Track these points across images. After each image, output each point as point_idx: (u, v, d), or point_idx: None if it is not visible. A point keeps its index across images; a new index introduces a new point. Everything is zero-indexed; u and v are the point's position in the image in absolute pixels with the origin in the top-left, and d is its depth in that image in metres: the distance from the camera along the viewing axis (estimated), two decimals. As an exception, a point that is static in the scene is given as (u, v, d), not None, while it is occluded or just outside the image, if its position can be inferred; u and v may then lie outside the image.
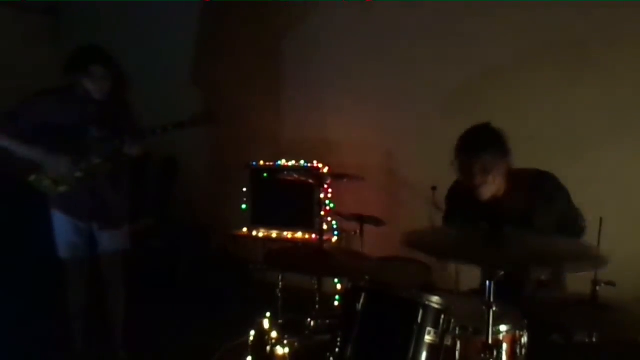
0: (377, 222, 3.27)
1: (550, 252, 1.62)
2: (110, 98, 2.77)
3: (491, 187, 2.17)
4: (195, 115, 2.84)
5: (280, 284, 2.69)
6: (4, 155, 2.68)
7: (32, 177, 2.72)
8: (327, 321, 2.17)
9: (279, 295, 2.67)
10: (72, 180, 2.72)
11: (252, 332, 2.10)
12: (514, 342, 1.73)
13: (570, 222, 2.21)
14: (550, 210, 2.15)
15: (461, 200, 2.34)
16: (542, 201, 2.16)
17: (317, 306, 2.56)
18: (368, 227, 3.32)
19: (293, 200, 3.93)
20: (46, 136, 2.66)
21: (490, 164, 2.12)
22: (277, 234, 4.09)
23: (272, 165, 4.10)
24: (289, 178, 3.32)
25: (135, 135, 2.73)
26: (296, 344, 2.00)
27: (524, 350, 1.75)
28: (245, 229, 4.17)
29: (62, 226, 2.81)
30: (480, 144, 2.14)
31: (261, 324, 2.08)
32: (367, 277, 1.69)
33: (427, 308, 1.57)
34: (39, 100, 2.73)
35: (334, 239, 3.90)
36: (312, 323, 2.15)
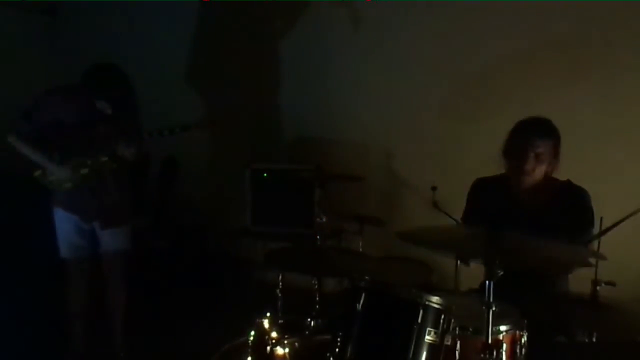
0: (377, 222, 3.27)
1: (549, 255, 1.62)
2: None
3: (534, 178, 2.22)
4: (201, 120, 2.90)
5: (280, 284, 2.69)
6: (9, 152, 2.71)
7: (38, 173, 2.74)
8: (327, 321, 2.17)
9: (279, 295, 2.67)
10: (78, 177, 2.73)
11: (252, 332, 2.10)
12: (513, 342, 1.73)
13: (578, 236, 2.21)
14: (570, 224, 2.16)
15: (487, 195, 2.39)
16: (567, 214, 2.19)
17: (317, 306, 2.56)
18: (368, 227, 3.31)
19: (293, 200, 3.93)
20: (56, 132, 2.70)
21: (545, 154, 2.19)
22: (277, 234, 4.08)
23: (272, 165, 4.10)
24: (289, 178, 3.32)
25: (131, 137, 2.76)
26: (296, 344, 2.00)
27: (524, 350, 1.75)
28: (245, 229, 4.17)
29: (64, 226, 2.81)
30: (544, 131, 2.22)
31: (261, 324, 2.08)
32: (367, 277, 1.69)
33: (427, 308, 1.57)
34: (50, 97, 2.76)
35: (334, 239, 3.90)
36: (312, 323, 2.16)
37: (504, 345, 1.69)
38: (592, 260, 1.65)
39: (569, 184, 2.30)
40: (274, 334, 2.03)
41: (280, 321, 2.18)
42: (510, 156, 2.27)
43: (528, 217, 2.18)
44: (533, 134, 2.21)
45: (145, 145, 2.89)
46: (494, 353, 1.61)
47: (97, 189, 2.80)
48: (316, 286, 2.56)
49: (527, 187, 2.29)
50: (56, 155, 2.71)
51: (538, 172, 2.22)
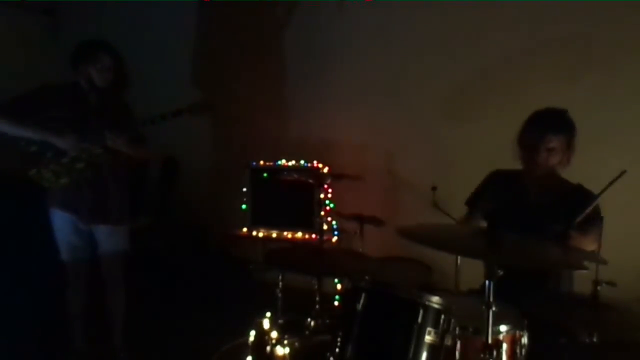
0: (377, 222, 3.27)
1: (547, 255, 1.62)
2: (110, 91, 2.80)
3: (546, 167, 2.23)
4: (193, 104, 2.88)
5: (280, 284, 2.69)
6: (3, 151, 2.70)
7: (33, 171, 2.71)
8: (327, 321, 2.17)
9: (279, 295, 2.67)
10: (74, 172, 2.72)
11: (252, 332, 2.10)
12: (513, 342, 1.73)
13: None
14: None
15: (498, 187, 2.41)
16: (575, 217, 2.16)
17: (317, 306, 2.56)
18: (368, 227, 3.31)
19: (293, 200, 3.93)
20: (47, 123, 2.67)
21: (557, 149, 2.20)
22: (277, 234, 4.08)
23: (272, 165, 4.10)
24: (289, 178, 3.32)
25: (121, 128, 2.74)
26: (296, 344, 2.00)
27: (524, 350, 1.75)
28: (245, 229, 4.17)
29: (62, 227, 2.80)
30: (558, 126, 2.22)
31: (261, 324, 2.08)
32: (367, 277, 1.69)
33: (427, 308, 1.57)
34: (40, 92, 2.74)
35: (334, 239, 3.90)
36: (312, 323, 2.15)
37: (504, 345, 1.70)
38: (588, 264, 1.65)
39: (579, 187, 2.29)
40: (274, 334, 2.03)
41: (280, 321, 2.18)
42: (524, 147, 2.29)
43: (533, 216, 2.18)
44: (547, 129, 2.21)
45: (146, 137, 2.89)
46: (494, 353, 1.61)
47: (96, 186, 2.78)
48: (316, 286, 2.55)
49: (538, 179, 2.30)
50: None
51: (551, 162, 2.24)
